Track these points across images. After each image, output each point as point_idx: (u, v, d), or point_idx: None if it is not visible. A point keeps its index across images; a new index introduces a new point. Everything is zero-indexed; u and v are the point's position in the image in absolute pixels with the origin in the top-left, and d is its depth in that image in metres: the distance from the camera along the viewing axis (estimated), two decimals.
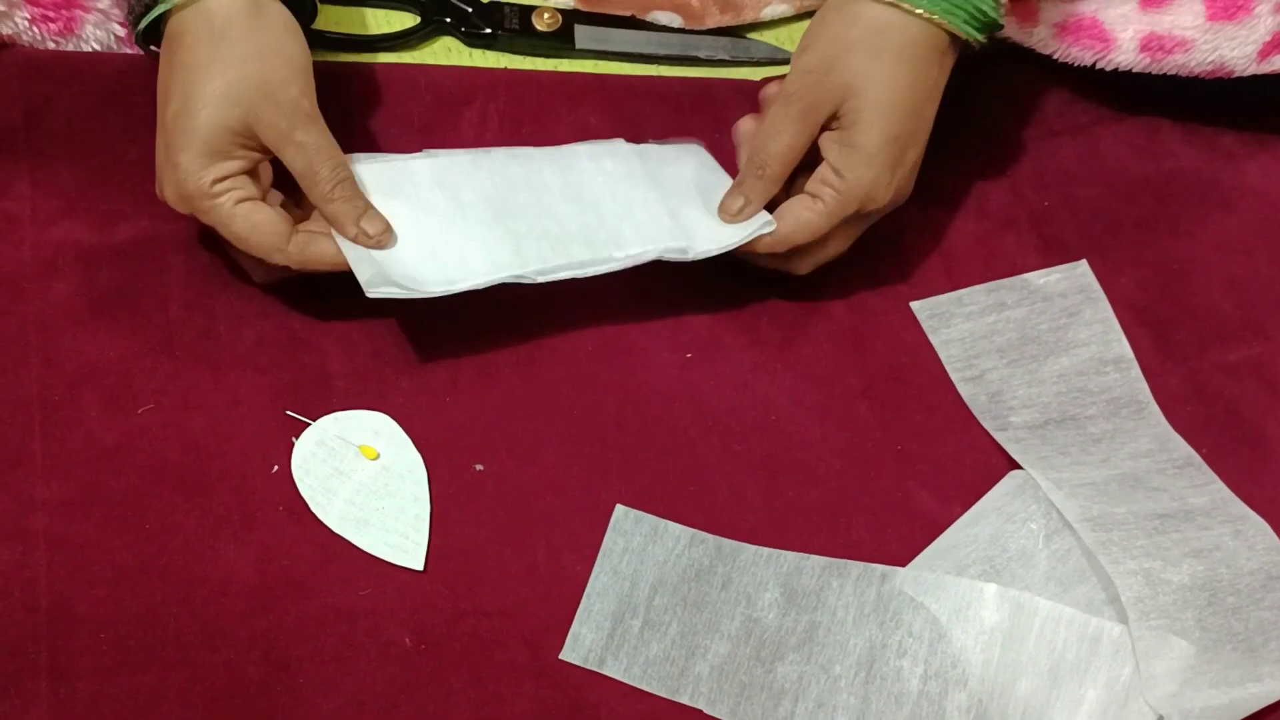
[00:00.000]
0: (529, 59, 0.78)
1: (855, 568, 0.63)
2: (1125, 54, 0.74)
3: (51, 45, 0.72)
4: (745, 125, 0.68)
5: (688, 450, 0.66)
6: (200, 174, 0.61)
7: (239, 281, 0.68)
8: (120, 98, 0.71)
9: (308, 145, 0.62)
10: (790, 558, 0.63)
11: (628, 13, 0.79)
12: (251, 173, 0.62)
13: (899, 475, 0.66)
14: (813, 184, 0.65)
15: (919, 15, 0.63)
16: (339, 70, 0.75)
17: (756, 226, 0.66)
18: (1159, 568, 0.60)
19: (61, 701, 0.57)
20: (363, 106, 0.74)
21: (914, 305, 0.72)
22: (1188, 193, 0.76)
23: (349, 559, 0.62)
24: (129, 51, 0.73)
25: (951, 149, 0.77)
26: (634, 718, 0.60)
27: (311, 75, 0.63)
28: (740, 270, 0.69)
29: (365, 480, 0.63)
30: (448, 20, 0.77)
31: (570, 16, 0.78)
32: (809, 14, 0.80)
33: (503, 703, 0.59)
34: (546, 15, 0.78)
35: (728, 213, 0.67)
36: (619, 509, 0.64)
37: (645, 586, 0.62)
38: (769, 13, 0.81)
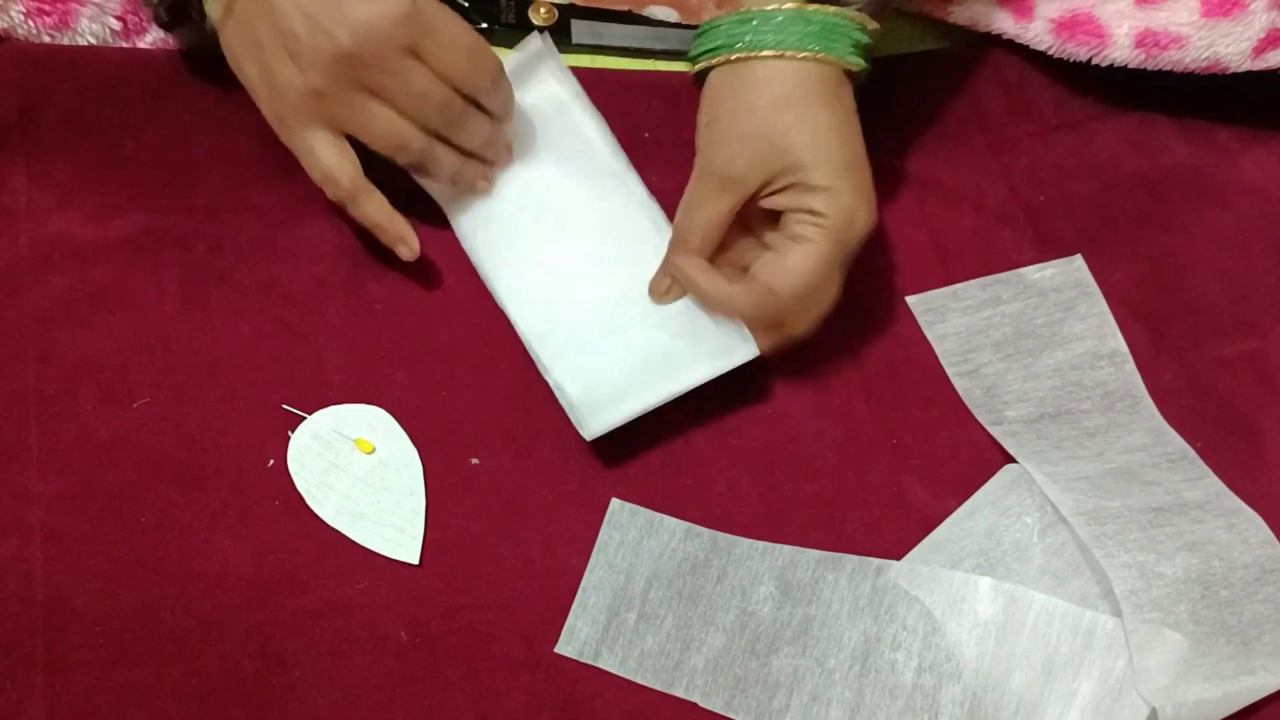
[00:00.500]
0: None
1: (850, 561, 0.63)
2: (1121, 50, 0.74)
3: (47, 39, 0.72)
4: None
5: (683, 444, 0.66)
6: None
7: (234, 276, 0.68)
8: (116, 92, 0.71)
9: None
10: (785, 551, 0.63)
11: (624, 7, 0.79)
12: None
13: (894, 469, 0.66)
14: (790, 230, 0.64)
15: (806, 58, 0.63)
16: None
17: (740, 355, 0.65)
18: (1153, 561, 0.61)
19: (57, 695, 0.57)
20: None
21: (909, 300, 0.72)
22: (1183, 188, 0.76)
23: (345, 553, 0.62)
24: (124, 45, 0.73)
25: (947, 144, 0.77)
26: (629, 711, 0.60)
27: None
28: None
29: (361, 474, 0.64)
30: None
31: (566, 11, 0.78)
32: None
33: (498, 696, 0.59)
34: (543, 10, 0.78)
35: (655, 293, 0.67)
36: (614, 503, 0.64)
37: (640, 580, 0.62)
38: None
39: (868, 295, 0.72)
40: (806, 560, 0.63)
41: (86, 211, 0.68)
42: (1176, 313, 0.72)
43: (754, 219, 0.66)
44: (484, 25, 0.77)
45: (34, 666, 0.58)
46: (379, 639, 0.60)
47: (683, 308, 0.66)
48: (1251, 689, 0.59)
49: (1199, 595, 0.60)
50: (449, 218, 0.70)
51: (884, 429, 0.68)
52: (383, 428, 0.65)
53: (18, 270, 0.67)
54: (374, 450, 0.64)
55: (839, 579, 0.62)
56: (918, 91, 0.78)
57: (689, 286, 0.66)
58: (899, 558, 0.63)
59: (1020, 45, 0.77)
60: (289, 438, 0.64)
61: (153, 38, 0.73)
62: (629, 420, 0.63)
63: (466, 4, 0.77)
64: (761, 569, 0.63)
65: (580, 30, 0.78)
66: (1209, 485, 0.66)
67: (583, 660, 0.61)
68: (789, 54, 0.63)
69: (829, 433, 0.67)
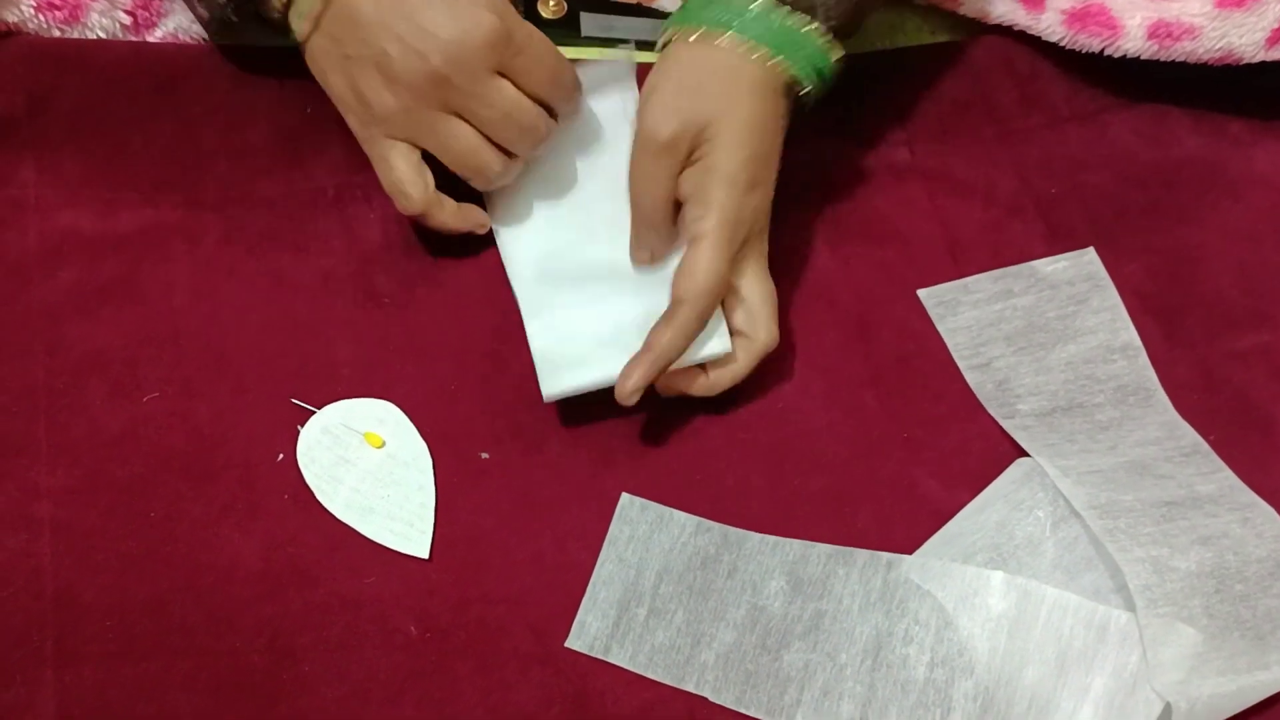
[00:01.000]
0: None
1: (861, 555, 0.63)
2: (1133, 41, 0.73)
3: (56, 33, 0.72)
4: None
5: (693, 438, 0.66)
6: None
7: (243, 269, 0.68)
8: (125, 86, 0.71)
9: None
10: (796, 546, 0.63)
11: (633, 0, 0.79)
12: None
13: (906, 463, 0.66)
14: (688, 229, 0.64)
15: (760, 56, 0.64)
16: None
17: (712, 348, 0.65)
18: (1166, 555, 0.60)
19: (67, 688, 0.57)
20: None
21: (921, 293, 0.71)
22: (1195, 180, 0.76)
23: (354, 547, 0.62)
24: (133, 39, 0.73)
25: (958, 137, 0.77)
26: (639, 705, 0.60)
27: None
28: None
29: (370, 468, 0.63)
30: None
31: (575, 4, 0.78)
32: None
33: (508, 690, 0.59)
34: (552, 2, 0.78)
35: (635, 260, 0.67)
36: (625, 497, 0.64)
37: (651, 574, 0.62)
38: None
39: (878, 288, 0.71)
40: (817, 555, 0.63)
41: (95, 205, 0.68)
42: (1189, 305, 0.72)
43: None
44: None
45: (43, 660, 0.58)
46: (388, 633, 0.60)
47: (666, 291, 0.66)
48: (1266, 683, 0.59)
49: (1213, 589, 0.60)
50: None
51: (895, 423, 0.67)
52: (392, 422, 0.65)
53: (26, 264, 0.67)
54: (383, 444, 0.64)
55: (850, 573, 0.62)
56: (928, 84, 0.78)
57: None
58: (910, 552, 0.63)
59: (1032, 37, 0.77)
60: (298, 431, 0.64)
61: (162, 32, 0.73)
62: (589, 389, 0.63)
63: None
64: (772, 564, 0.63)
65: (589, 23, 0.78)
66: (1223, 479, 0.65)
67: (593, 655, 0.60)
68: (744, 45, 0.64)
69: (840, 426, 0.67)
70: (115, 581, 0.60)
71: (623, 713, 0.59)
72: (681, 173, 0.64)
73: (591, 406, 0.66)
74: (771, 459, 0.66)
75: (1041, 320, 0.70)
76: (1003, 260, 0.72)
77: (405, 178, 0.64)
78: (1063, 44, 0.76)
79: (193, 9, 0.70)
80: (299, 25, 0.64)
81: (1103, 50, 0.75)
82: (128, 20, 0.72)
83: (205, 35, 0.73)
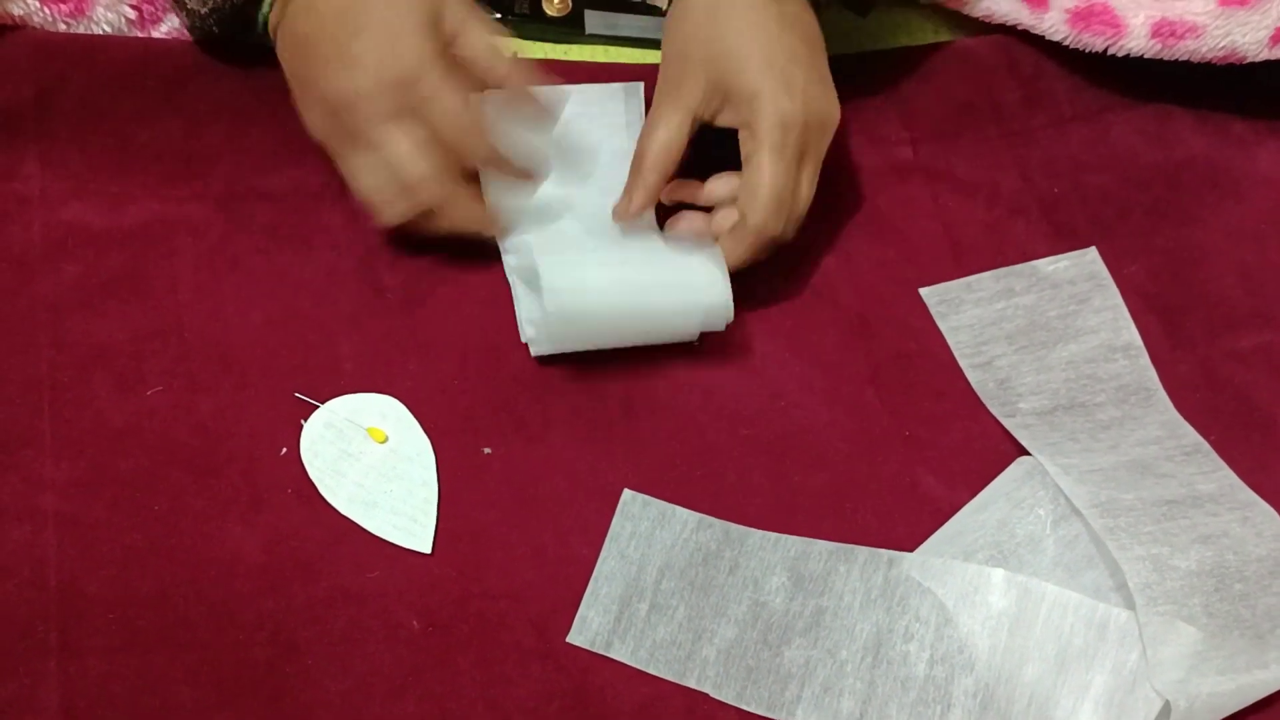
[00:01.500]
0: (538, 44, 0.78)
1: (862, 553, 0.63)
2: (1136, 40, 0.73)
3: (62, 27, 0.72)
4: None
5: (695, 435, 0.66)
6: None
7: (247, 264, 0.68)
8: (131, 80, 0.72)
9: None
10: (797, 542, 0.63)
11: None
12: None
13: (907, 461, 0.66)
14: (742, 150, 0.65)
15: None
16: None
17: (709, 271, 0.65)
18: (1167, 554, 0.60)
19: (70, 680, 0.57)
20: None
21: (923, 291, 0.72)
22: (1198, 180, 0.76)
23: (357, 541, 0.62)
24: (139, 34, 0.73)
25: (961, 136, 0.77)
26: (640, 701, 0.60)
27: None
28: None
29: (373, 463, 0.64)
30: None
31: (580, 1, 0.78)
32: None
33: (510, 685, 0.59)
34: (556, 0, 0.78)
35: (616, 215, 0.67)
36: (626, 493, 0.64)
37: (652, 570, 0.62)
38: None
39: (881, 286, 0.72)
40: (818, 551, 0.63)
41: (100, 199, 0.69)
42: (1191, 305, 0.72)
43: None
44: (497, 15, 0.77)
45: (47, 652, 0.58)
46: (391, 627, 0.60)
47: (667, 252, 0.67)
48: (1265, 682, 0.59)
49: (1213, 588, 0.60)
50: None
51: (897, 420, 0.67)
52: (395, 416, 0.65)
53: (31, 257, 0.67)
54: (386, 439, 0.64)
55: (851, 570, 0.62)
56: (932, 83, 0.78)
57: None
58: (911, 549, 0.63)
59: (1035, 36, 0.77)
60: (301, 426, 0.64)
61: (167, 27, 0.73)
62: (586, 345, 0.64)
63: None
64: (773, 560, 0.63)
65: (594, 21, 0.78)
66: (1223, 478, 0.65)
67: (594, 650, 0.61)
68: None
69: (841, 424, 0.67)
70: (119, 575, 0.60)
71: (624, 708, 0.59)
72: (716, 121, 0.66)
73: (593, 403, 0.66)
74: (773, 456, 0.66)
75: (1043, 319, 0.70)
76: (1005, 259, 0.72)
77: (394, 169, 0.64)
78: (1066, 43, 0.76)
79: (176, 13, 0.71)
80: (272, 38, 0.66)
81: (1106, 49, 0.75)
82: (133, 14, 0.72)
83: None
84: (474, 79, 0.64)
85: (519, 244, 0.68)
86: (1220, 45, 0.72)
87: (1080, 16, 0.74)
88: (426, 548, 0.62)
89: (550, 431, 0.65)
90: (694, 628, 0.61)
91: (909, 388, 0.69)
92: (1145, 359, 0.69)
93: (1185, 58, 0.73)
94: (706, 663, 0.60)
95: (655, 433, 0.66)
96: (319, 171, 0.71)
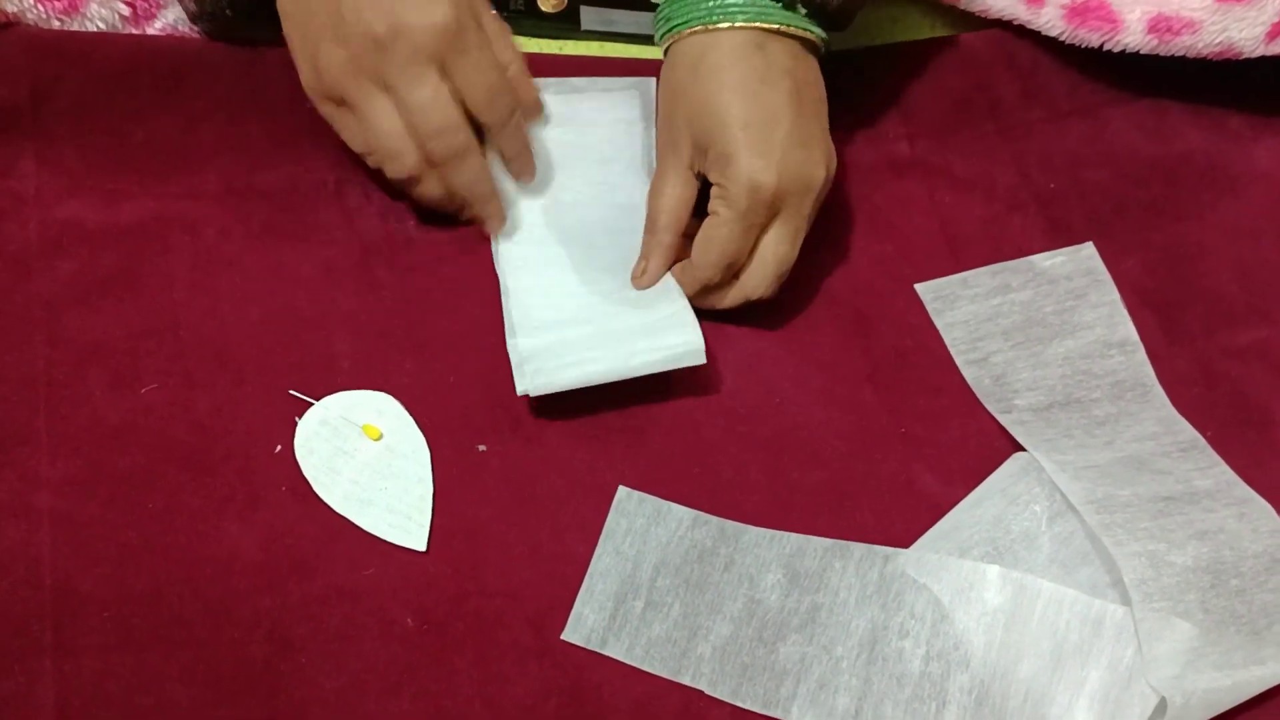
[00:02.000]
0: (534, 40, 0.78)
1: (858, 549, 0.63)
2: (1133, 35, 0.73)
3: (56, 24, 0.72)
4: None
5: (691, 432, 0.66)
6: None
7: (243, 261, 0.68)
8: (126, 77, 0.71)
9: None
10: (793, 539, 0.63)
11: None
12: None
13: (903, 457, 0.66)
14: (710, 203, 0.65)
15: (724, 28, 0.64)
16: None
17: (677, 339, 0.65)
18: (1163, 550, 0.60)
19: (65, 679, 0.57)
20: None
21: (919, 287, 0.71)
22: (1195, 175, 0.76)
23: (352, 539, 0.62)
24: (134, 31, 0.73)
25: (958, 131, 0.77)
26: (636, 698, 0.60)
27: None
28: None
29: (368, 460, 0.64)
30: None
31: None
32: None
33: (505, 683, 0.59)
34: None
35: (633, 279, 0.68)
36: (622, 490, 0.64)
37: (648, 567, 0.62)
38: None
39: (877, 283, 0.72)
40: (814, 548, 0.63)
41: (95, 197, 0.69)
42: (1188, 301, 0.72)
43: None
44: (493, 11, 0.77)
45: (43, 650, 0.58)
46: (386, 625, 0.60)
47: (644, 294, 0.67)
48: (1261, 678, 0.59)
49: (1209, 584, 0.60)
50: None
51: (893, 417, 0.67)
52: (390, 414, 0.65)
53: (27, 255, 0.67)
54: (381, 436, 0.64)
55: (847, 567, 0.62)
56: (928, 79, 0.78)
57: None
58: (907, 546, 0.63)
59: (1032, 31, 0.77)
60: (296, 423, 0.64)
61: (162, 24, 0.73)
62: (567, 388, 0.63)
63: None
64: (769, 557, 0.63)
65: (589, 17, 0.78)
66: (1219, 474, 0.65)
67: (590, 647, 0.61)
68: (710, 27, 0.64)
69: (837, 421, 0.67)
70: (114, 572, 0.60)
71: (619, 705, 0.59)
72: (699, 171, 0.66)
73: (589, 400, 0.66)
74: (769, 453, 0.66)
75: (1039, 315, 0.70)
76: (1002, 255, 0.72)
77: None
78: (1063, 39, 0.76)
79: (182, 2, 0.71)
80: None
81: (1103, 45, 0.75)
82: (126, 11, 0.72)
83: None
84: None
85: (506, 257, 0.68)
86: (1217, 41, 0.72)
87: (1077, 12, 0.74)
88: (422, 545, 0.62)
89: (546, 429, 0.65)
90: (689, 625, 0.61)
91: (906, 384, 0.69)
92: (1142, 355, 0.69)
93: (1182, 53, 0.73)
94: (702, 660, 0.60)
95: (651, 430, 0.66)
96: (315, 169, 0.71)
